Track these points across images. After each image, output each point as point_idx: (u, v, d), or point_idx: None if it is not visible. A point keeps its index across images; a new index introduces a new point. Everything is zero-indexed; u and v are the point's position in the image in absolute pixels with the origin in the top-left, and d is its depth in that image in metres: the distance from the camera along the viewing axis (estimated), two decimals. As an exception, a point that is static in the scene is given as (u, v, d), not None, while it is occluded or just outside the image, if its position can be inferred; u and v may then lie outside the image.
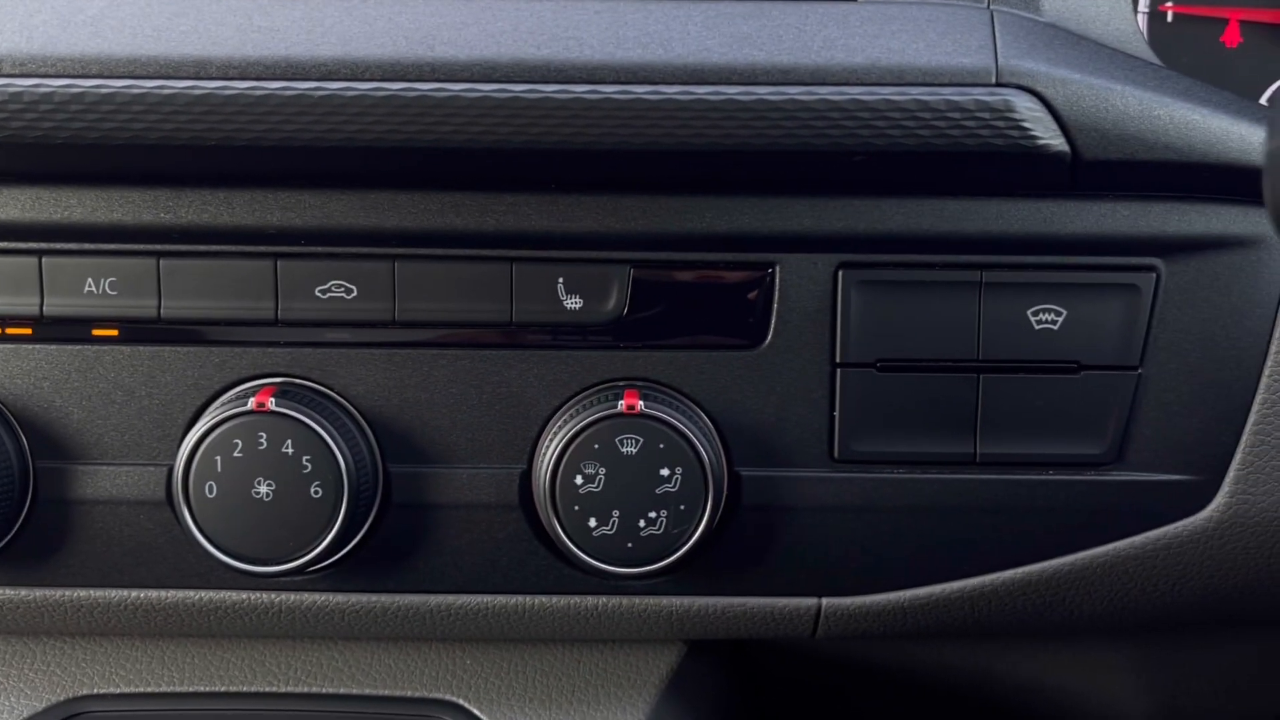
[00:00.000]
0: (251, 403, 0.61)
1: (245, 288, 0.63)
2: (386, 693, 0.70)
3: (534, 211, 0.63)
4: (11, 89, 0.56)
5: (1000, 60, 0.59)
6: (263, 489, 0.62)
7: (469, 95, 0.56)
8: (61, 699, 0.69)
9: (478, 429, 0.65)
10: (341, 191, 0.62)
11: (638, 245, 0.64)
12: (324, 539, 0.62)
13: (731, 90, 0.57)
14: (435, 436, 0.65)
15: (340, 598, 0.67)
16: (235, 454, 0.61)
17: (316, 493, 0.62)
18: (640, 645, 0.72)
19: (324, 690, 0.70)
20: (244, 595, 0.66)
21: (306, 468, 0.62)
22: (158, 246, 0.63)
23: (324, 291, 0.64)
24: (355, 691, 0.70)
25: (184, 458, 0.61)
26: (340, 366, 0.64)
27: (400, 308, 0.64)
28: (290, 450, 0.61)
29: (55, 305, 0.63)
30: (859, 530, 0.66)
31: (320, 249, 0.63)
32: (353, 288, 0.64)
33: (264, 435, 0.61)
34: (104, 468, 0.65)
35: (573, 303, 0.64)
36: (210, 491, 0.62)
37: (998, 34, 0.60)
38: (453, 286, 0.64)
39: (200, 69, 0.57)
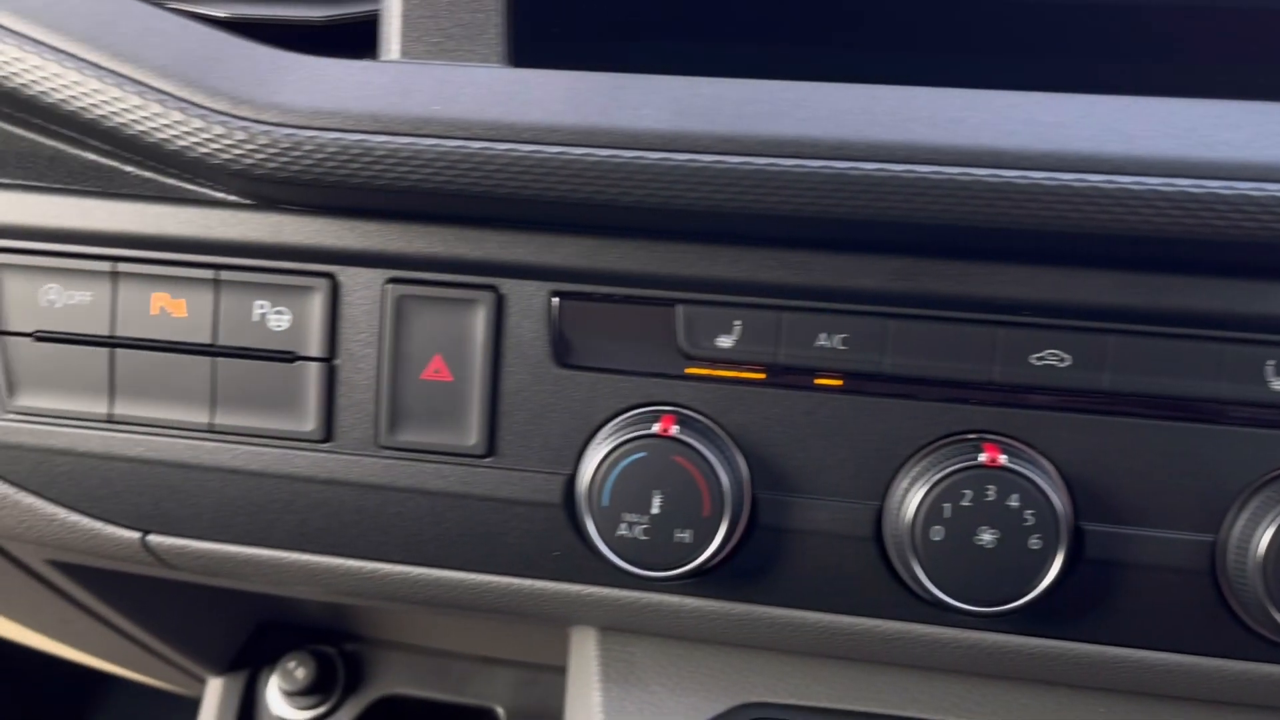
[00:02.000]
0: (983, 458, 0.67)
1: (965, 351, 0.70)
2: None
3: (1246, 295, 0.67)
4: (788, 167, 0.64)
5: None
6: (986, 537, 0.68)
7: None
8: (740, 703, 0.77)
9: (1168, 498, 0.69)
10: (1065, 269, 0.68)
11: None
12: (1037, 586, 0.67)
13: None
14: (1131, 501, 0.69)
15: (1018, 640, 0.72)
16: (963, 503, 0.68)
17: (1035, 545, 0.67)
18: None
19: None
20: (929, 629, 0.73)
21: (1029, 521, 0.67)
22: (889, 309, 0.70)
23: (1039, 359, 0.69)
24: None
25: (915, 503, 0.68)
26: (1044, 428, 0.70)
27: (1112, 379, 0.69)
28: (1015, 504, 0.67)
29: (788, 355, 0.72)
30: None
31: (1041, 320, 0.69)
32: (1067, 357, 0.69)
33: (993, 488, 0.67)
34: (816, 501, 0.72)
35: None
36: (936, 535, 0.68)
37: None
38: (1163, 362, 0.68)
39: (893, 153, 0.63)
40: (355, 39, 0.75)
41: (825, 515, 0.72)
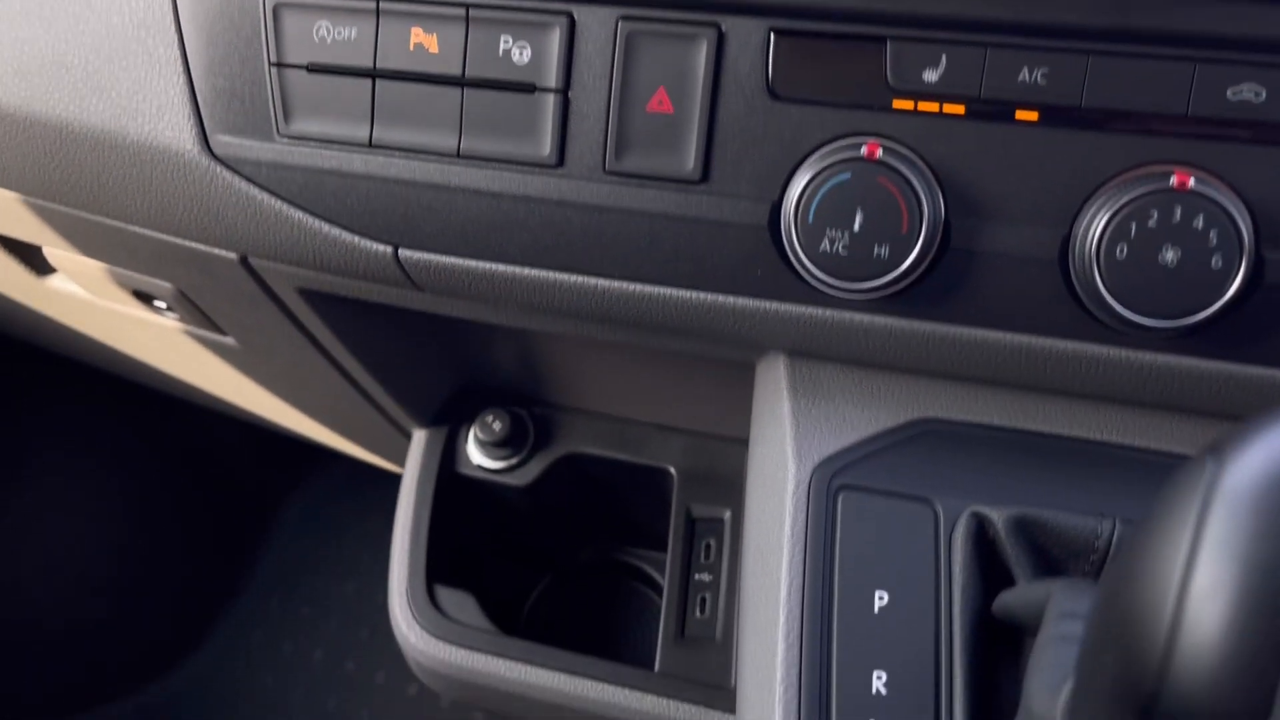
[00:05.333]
0: (1172, 181, 0.72)
1: (1162, 85, 0.74)
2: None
3: None
4: None
5: None
6: (1169, 255, 0.73)
7: None
8: (917, 417, 0.86)
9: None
10: (1267, 5, 0.71)
11: None
12: (1215, 303, 0.73)
13: None
14: (1310, 229, 0.74)
15: (1189, 361, 0.78)
16: (1150, 223, 0.73)
17: (1216, 264, 0.73)
18: None
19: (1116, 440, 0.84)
20: (1104, 349, 0.79)
21: (1212, 241, 0.72)
22: (1088, 45, 0.75)
23: (1235, 93, 0.73)
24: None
25: (1103, 223, 0.74)
26: (1234, 159, 0.74)
27: (1307, 113, 0.72)
28: (1200, 225, 0.72)
29: (990, 88, 0.77)
30: None
31: (1238, 55, 0.73)
32: (1263, 91, 0.73)
33: (1179, 209, 0.73)
34: (1007, 227, 0.78)
35: None
36: (1120, 252, 0.74)
37: None
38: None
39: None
40: None
41: (1014, 239, 0.78)
